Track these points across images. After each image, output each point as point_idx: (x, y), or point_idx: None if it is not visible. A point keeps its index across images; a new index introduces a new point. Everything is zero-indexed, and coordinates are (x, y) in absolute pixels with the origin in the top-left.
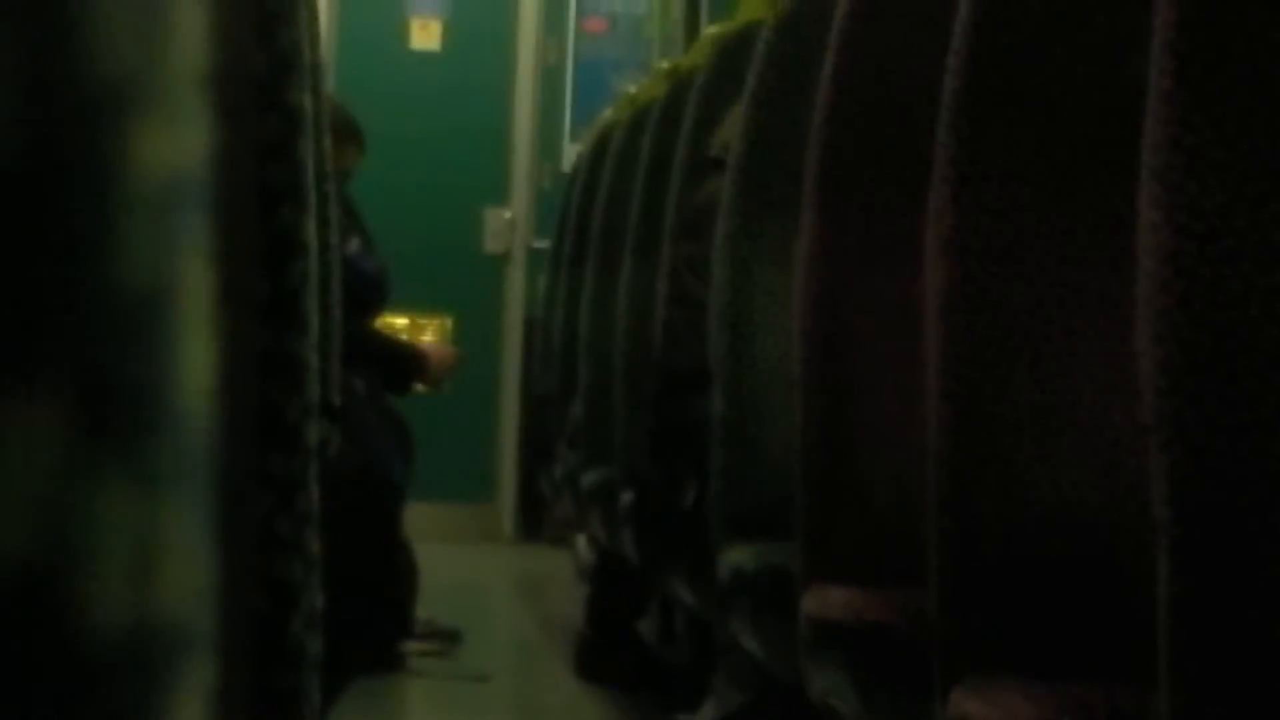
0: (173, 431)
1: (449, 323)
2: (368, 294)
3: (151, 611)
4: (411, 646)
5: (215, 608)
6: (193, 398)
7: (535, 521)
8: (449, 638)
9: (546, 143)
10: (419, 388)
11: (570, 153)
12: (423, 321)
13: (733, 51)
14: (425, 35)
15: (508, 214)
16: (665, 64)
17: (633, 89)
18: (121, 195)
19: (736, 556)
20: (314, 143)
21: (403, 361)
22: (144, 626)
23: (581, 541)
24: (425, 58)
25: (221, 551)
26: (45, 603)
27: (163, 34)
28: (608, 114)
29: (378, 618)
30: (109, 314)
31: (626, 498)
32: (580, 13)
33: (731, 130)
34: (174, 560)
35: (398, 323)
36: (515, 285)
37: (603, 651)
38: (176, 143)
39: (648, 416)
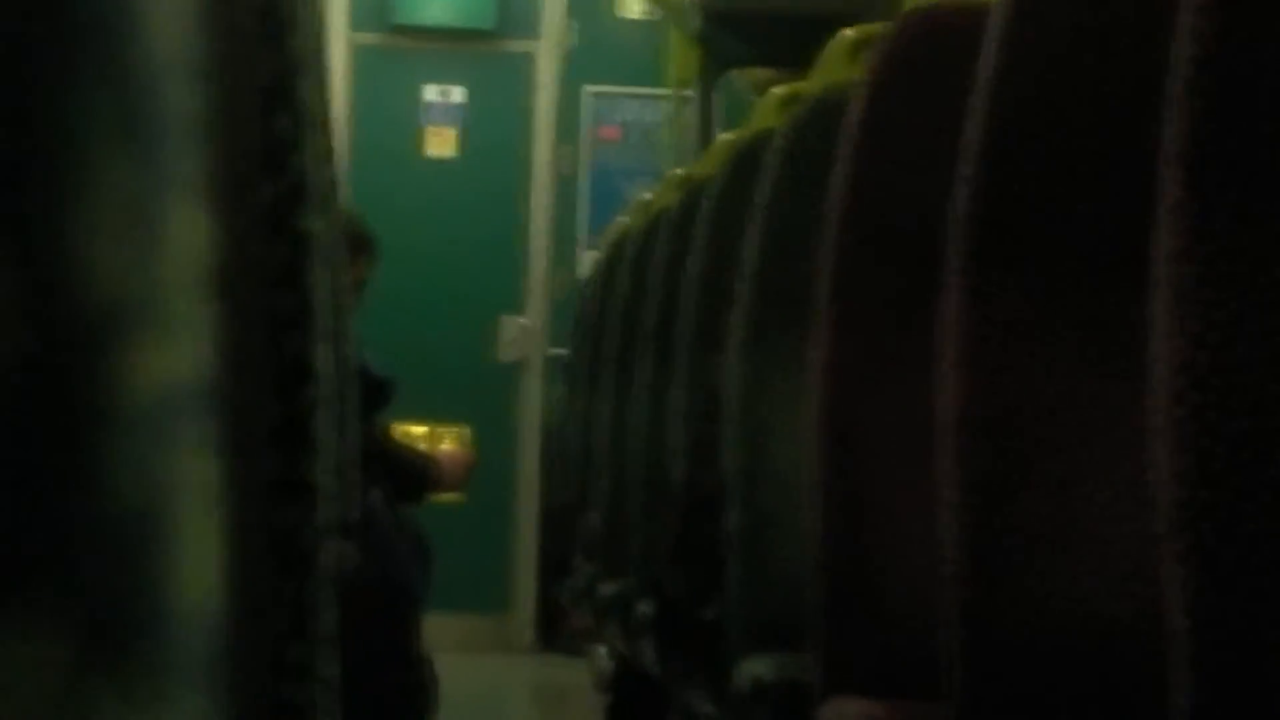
0: (175, 633)
1: (468, 431)
2: (379, 398)
3: None
4: None
5: None
6: (196, 596)
7: (553, 632)
8: None
9: (561, 251)
10: (436, 496)
11: (585, 260)
12: (441, 430)
13: (745, 159)
14: (440, 143)
15: (524, 322)
16: (679, 172)
17: (647, 196)
18: (117, 414)
19: (755, 667)
20: (329, 258)
21: (417, 471)
22: None
23: (600, 652)
24: (440, 166)
25: None
26: None
27: (157, 245)
28: (622, 221)
29: None
30: (104, 533)
31: (644, 608)
32: (594, 121)
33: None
34: None
35: (415, 431)
36: (532, 394)
37: None
38: (173, 354)
39: (669, 529)
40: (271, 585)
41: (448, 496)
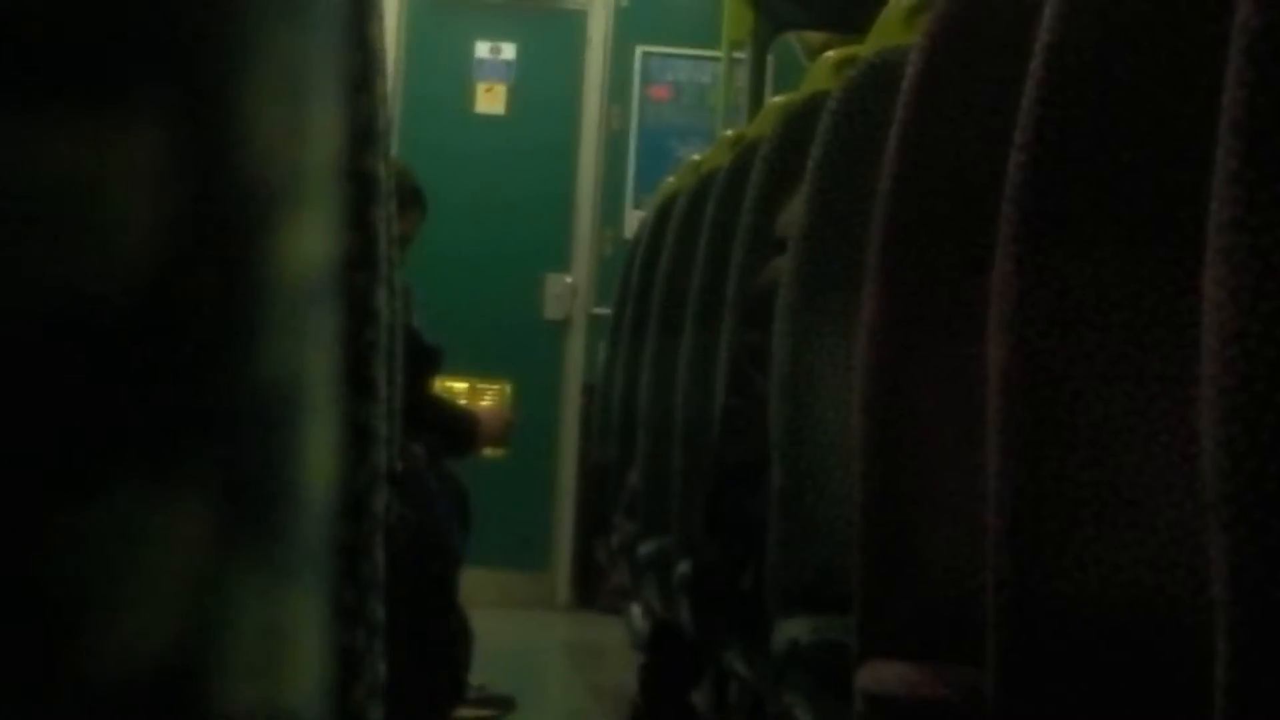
0: (302, 522)
1: (508, 388)
2: (428, 365)
3: (277, 704)
4: (465, 713)
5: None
6: (318, 488)
7: (590, 590)
8: (502, 705)
9: (609, 209)
10: (478, 452)
11: (632, 219)
12: (482, 386)
13: (797, 122)
14: (490, 100)
15: (569, 280)
16: (730, 133)
17: (696, 157)
18: (264, 291)
19: (792, 629)
20: (385, 209)
21: (460, 427)
22: (272, 715)
23: (636, 610)
24: (490, 122)
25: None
26: (178, 701)
27: (306, 130)
28: (671, 181)
29: (432, 683)
30: (248, 409)
31: (683, 568)
32: (645, 80)
33: (795, 211)
34: (299, 652)
35: (457, 387)
36: (575, 352)
37: None
38: (316, 238)
39: (704, 501)
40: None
41: (489, 452)
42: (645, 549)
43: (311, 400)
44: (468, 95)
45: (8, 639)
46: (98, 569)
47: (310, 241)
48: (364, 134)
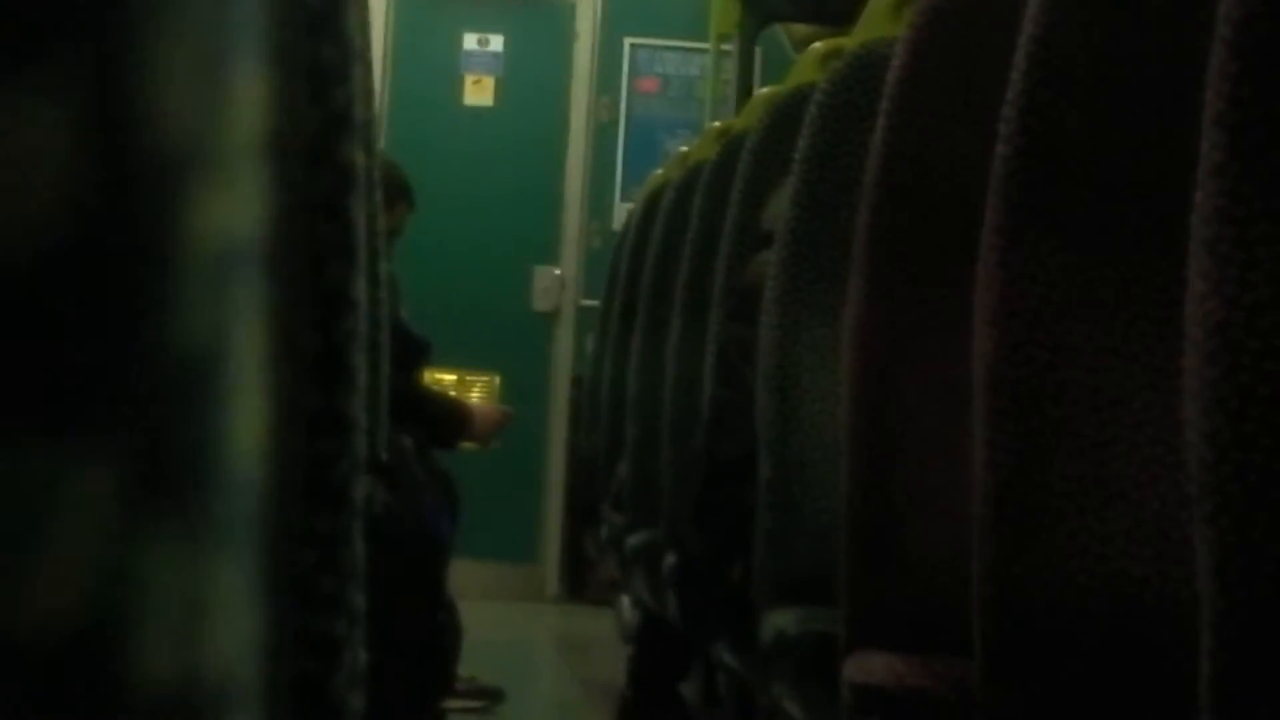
0: (223, 490)
1: (497, 380)
2: (417, 356)
3: (199, 669)
4: (453, 704)
5: (260, 666)
6: (243, 457)
7: (579, 581)
8: (491, 696)
9: (597, 201)
10: (466, 445)
11: (620, 212)
12: (471, 378)
13: (785, 114)
14: (478, 92)
15: (557, 272)
16: (717, 125)
17: (684, 149)
18: (180, 261)
19: (780, 620)
20: (365, 200)
21: (450, 419)
22: (191, 684)
23: (625, 602)
24: (478, 114)
25: (267, 610)
26: (94, 661)
27: (223, 97)
28: (659, 173)
29: (420, 675)
30: (165, 376)
31: (671, 560)
32: (633, 72)
33: (782, 204)
34: (222, 618)
35: (445, 379)
36: (563, 344)
37: (645, 713)
38: (234, 209)
39: (692, 493)
40: (304, 511)
41: (474, 445)
42: (634, 541)
43: (235, 374)
44: (456, 87)
45: None
46: (2, 524)
47: (229, 214)
48: (337, 123)
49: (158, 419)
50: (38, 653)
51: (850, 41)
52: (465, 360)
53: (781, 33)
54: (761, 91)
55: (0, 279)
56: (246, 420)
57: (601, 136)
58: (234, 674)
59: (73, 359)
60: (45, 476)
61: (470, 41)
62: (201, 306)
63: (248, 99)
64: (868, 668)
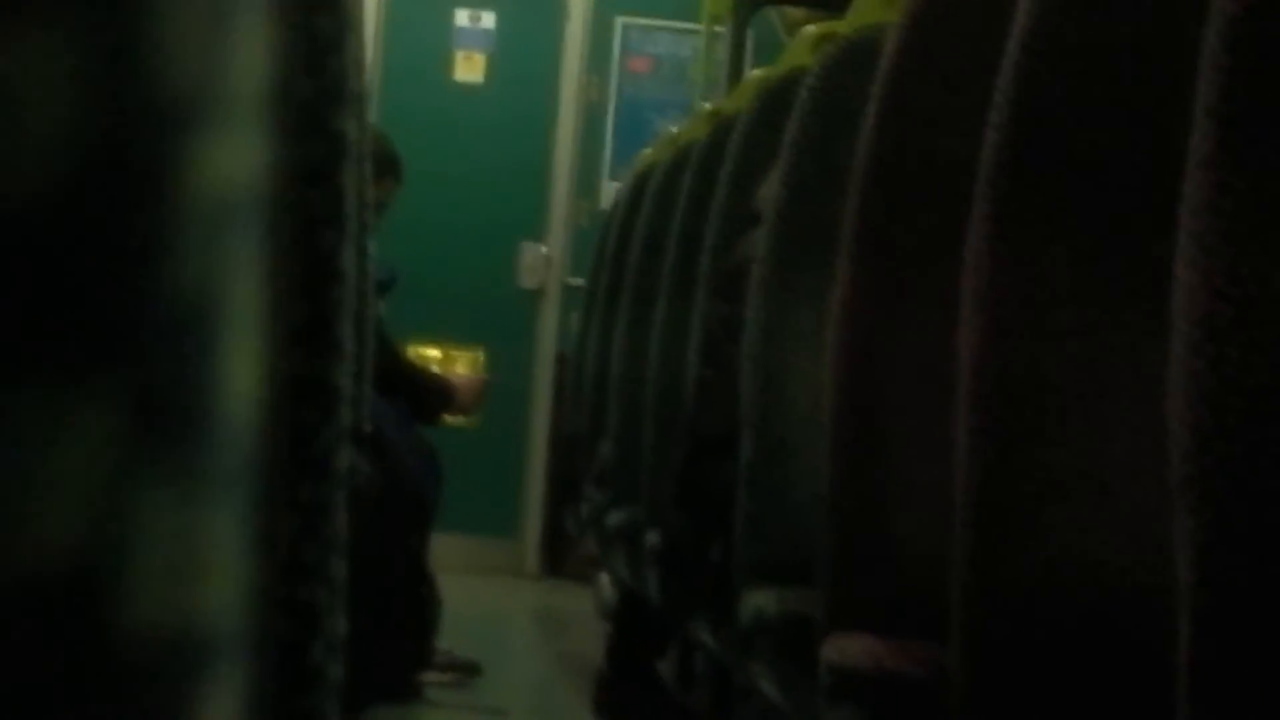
0: (218, 438)
1: (481, 355)
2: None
3: (190, 615)
4: (430, 677)
5: (248, 619)
6: (237, 408)
7: (559, 558)
8: (468, 670)
9: (585, 180)
10: (448, 419)
11: (609, 191)
12: (455, 353)
13: (775, 97)
14: (469, 68)
15: (544, 249)
16: (708, 106)
17: (674, 130)
18: (180, 207)
19: (758, 601)
20: (355, 170)
21: (431, 392)
22: (182, 629)
23: (604, 580)
24: (468, 90)
25: (255, 564)
26: (86, 600)
27: (226, 51)
28: (648, 153)
29: (398, 646)
30: (163, 321)
31: (651, 538)
32: (625, 51)
33: (773, 185)
34: (214, 566)
35: (430, 354)
36: (549, 321)
37: (621, 690)
38: (235, 160)
39: (675, 470)
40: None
41: (459, 420)
42: (615, 518)
43: (231, 326)
44: (446, 63)
45: None
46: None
47: (230, 164)
48: (331, 92)
49: (155, 362)
50: (32, 591)
51: (843, 26)
52: (451, 335)
53: (774, 16)
54: (753, 74)
55: (2, 221)
56: (241, 371)
57: (591, 115)
58: (223, 624)
59: (72, 301)
60: (44, 416)
61: (462, 17)
62: (201, 254)
63: (251, 53)
64: (845, 650)
